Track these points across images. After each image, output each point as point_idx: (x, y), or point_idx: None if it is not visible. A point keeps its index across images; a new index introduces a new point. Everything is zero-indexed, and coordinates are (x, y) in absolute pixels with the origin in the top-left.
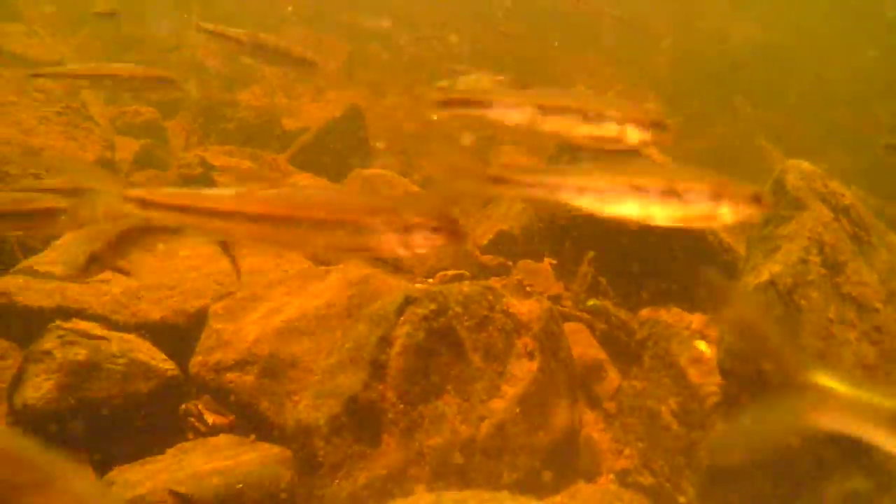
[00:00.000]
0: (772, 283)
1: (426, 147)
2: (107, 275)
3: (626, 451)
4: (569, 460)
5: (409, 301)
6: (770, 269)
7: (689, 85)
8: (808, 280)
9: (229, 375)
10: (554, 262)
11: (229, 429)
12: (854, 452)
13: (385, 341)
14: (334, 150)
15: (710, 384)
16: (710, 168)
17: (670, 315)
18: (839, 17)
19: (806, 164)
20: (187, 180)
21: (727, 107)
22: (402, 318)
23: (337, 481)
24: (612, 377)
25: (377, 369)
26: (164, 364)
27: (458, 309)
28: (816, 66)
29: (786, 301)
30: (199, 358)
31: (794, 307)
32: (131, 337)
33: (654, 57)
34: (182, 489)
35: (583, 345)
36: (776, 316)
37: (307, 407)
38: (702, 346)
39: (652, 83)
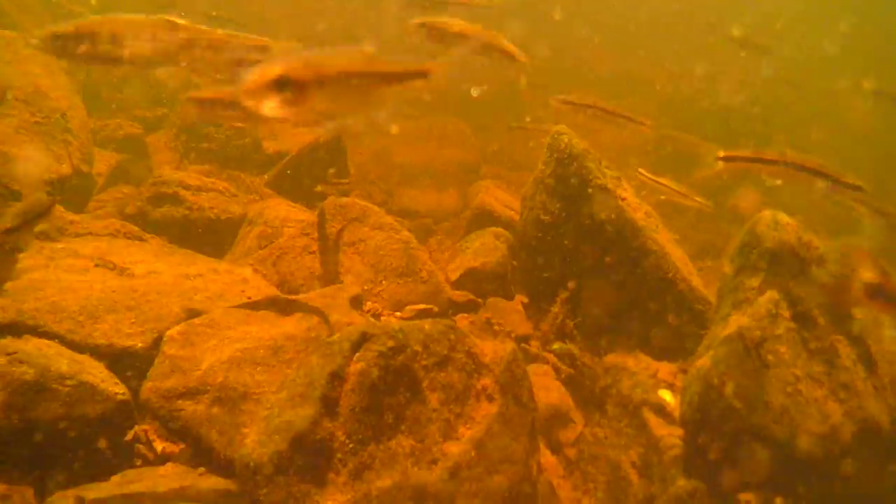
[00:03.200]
0: (739, 335)
1: (411, 177)
2: (67, 291)
3: (585, 501)
4: None
5: (365, 337)
6: (738, 320)
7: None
8: (776, 334)
9: (180, 403)
10: (525, 300)
11: (179, 457)
12: None
13: (337, 377)
14: (312, 174)
15: (672, 436)
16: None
17: (636, 362)
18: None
19: (781, 215)
20: (161, 199)
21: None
22: (357, 355)
23: None
24: (576, 422)
25: (327, 406)
26: (114, 388)
27: (418, 347)
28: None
29: (753, 355)
30: (151, 384)
31: (761, 362)
32: (83, 358)
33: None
34: None
35: (547, 388)
36: (743, 370)
37: (253, 442)
38: (666, 395)
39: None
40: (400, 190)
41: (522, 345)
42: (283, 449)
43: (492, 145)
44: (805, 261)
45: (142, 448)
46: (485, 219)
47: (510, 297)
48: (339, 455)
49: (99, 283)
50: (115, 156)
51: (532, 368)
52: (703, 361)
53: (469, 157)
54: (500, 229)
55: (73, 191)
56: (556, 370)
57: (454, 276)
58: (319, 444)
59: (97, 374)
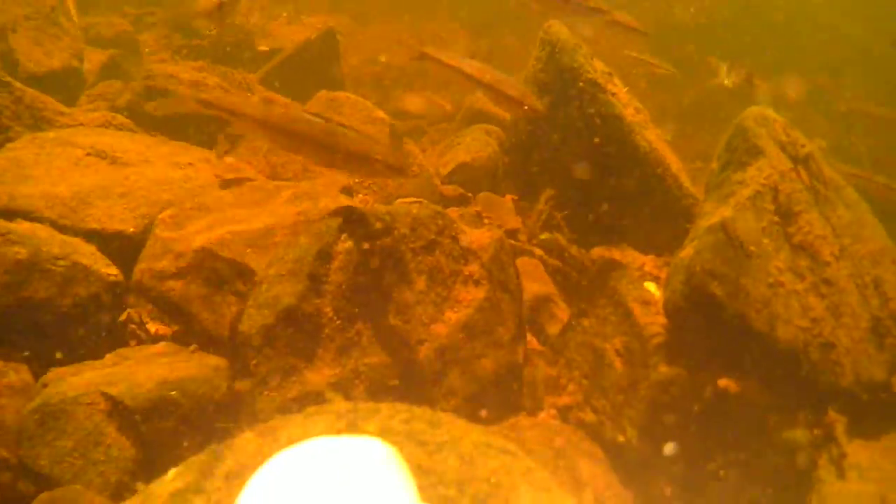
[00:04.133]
0: (723, 226)
1: (405, 79)
2: (58, 179)
3: (570, 388)
4: (511, 393)
5: (354, 218)
6: (722, 212)
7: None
8: (759, 226)
9: (171, 283)
10: (515, 197)
11: (172, 338)
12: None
13: (325, 255)
14: (305, 73)
15: (656, 324)
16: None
17: (623, 255)
18: None
19: (769, 111)
20: (151, 92)
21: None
22: (345, 234)
23: (267, 392)
24: (562, 313)
25: (316, 283)
26: (106, 269)
27: (405, 230)
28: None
29: (735, 245)
30: (143, 265)
31: (743, 252)
32: (75, 241)
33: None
34: (114, 392)
35: (535, 280)
36: (725, 259)
37: (241, 315)
38: (651, 287)
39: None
40: (394, 92)
41: (511, 239)
42: (271, 322)
43: (488, 47)
44: (792, 157)
45: (135, 329)
46: (478, 118)
47: (501, 195)
48: (326, 331)
49: (91, 172)
50: (106, 52)
51: (520, 262)
52: (687, 251)
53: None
54: (491, 126)
55: (64, 86)
56: (544, 263)
57: (445, 171)
58: (307, 320)
59: (89, 255)
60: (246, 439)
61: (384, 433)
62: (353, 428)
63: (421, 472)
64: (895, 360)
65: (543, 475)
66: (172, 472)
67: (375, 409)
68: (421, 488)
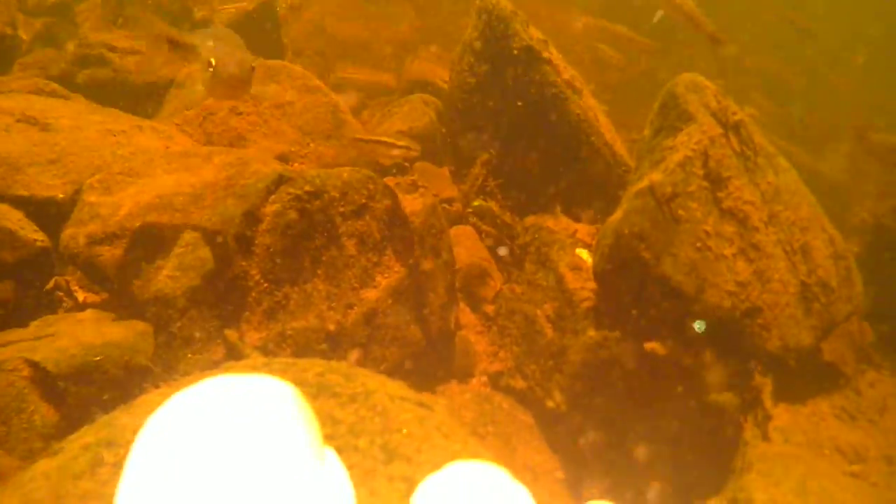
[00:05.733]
0: (650, 189)
1: (349, 52)
2: None
3: (501, 355)
4: (442, 359)
5: (282, 180)
6: (651, 177)
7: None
8: (688, 191)
9: (99, 249)
10: (452, 167)
11: (101, 306)
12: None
13: (252, 216)
14: (245, 43)
15: (585, 289)
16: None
17: (556, 222)
18: None
19: (700, 78)
20: (85, 60)
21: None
22: (273, 197)
23: (191, 355)
24: (495, 281)
25: (242, 245)
26: (33, 234)
27: (336, 194)
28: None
29: (664, 209)
30: (71, 230)
31: (671, 216)
32: (3, 206)
33: None
34: (38, 357)
35: (468, 247)
36: (654, 223)
37: (165, 278)
38: (583, 254)
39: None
40: (336, 65)
41: (446, 206)
42: (197, 284)
43: (433, 23)
44: (723, 124)
45: (63, 297)
46: (418, 90)
47: (439, 165)
48: (253, 294)
49: (21, 138)
50: (41, 20)
51: (455, 230)
52: (616, 215)
53: (408, 34)
54: (428, 96)
55: None
56: (478, 230)
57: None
58: (233, 282)
59: (16, 221)
60: (157, 393)
61: (296, 385)
62: None
63: (332, 421)
64: (823, 325)
65: (459, 429)
66: (84, 428)
67: (291, 363)
68: (331, 438)
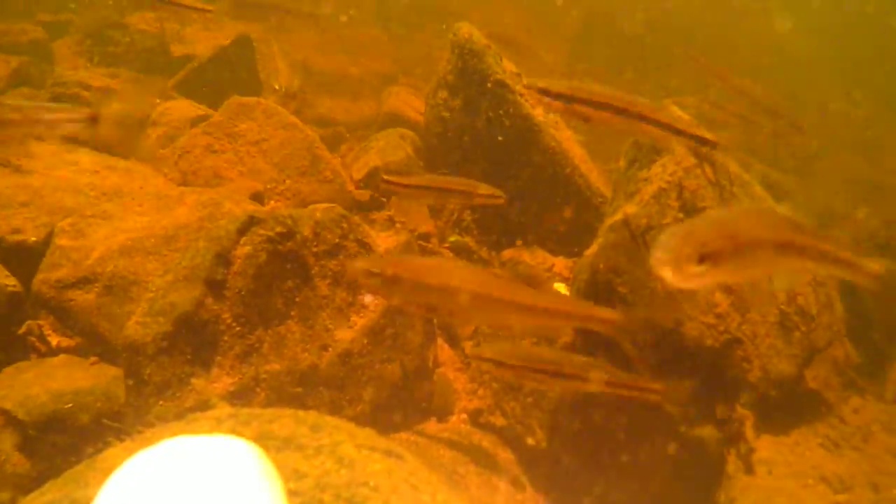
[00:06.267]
0: (625, 222)
1: (326, 85)
2: None
3: (481, 392)
4: (421, 398)
5: (253, 221)
6: (626, 209)
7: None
8: (663, 223)
9: (70, 293)
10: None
11: (75, 350)
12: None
13: (223, 259)
14: (221, 80)
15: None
16: None
17: (533, 256)
18: None
19: (673, 108)
20: (60, 100)
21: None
22: (244, 238)
23: (163, 402)
24: None
25: (213, 289)
26: (4, 280)
27: (308, 234)
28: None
29: (639, 242)
30: (42, 275)
31: (647, 249)
32: None
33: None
34: (8, 405)
35: None
36: (629, 256)
37: (136, 324)
38: (561, 288)
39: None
40: (315, 99)
41: (422, 242)
42: (168, 330)
43: (410, 55)
44: (696, 154)
45: (35, 342)
46: (395, 123)
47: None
48: (225, 338)
49: None
50: (17, 59)
51: None
52: (591, 249)
53: (386, 67)
54: (405, 130)
55: None
56: None
57: (358, 176)
58: (205, 327)
59: None
60: (122, 448)
61: (261, 438)
62: (232, 433)
63: (297, 476)
64: (804, 353)
65: (431, 478)
66: (49, 483)
67: (257, 414)
68: (295, 494)
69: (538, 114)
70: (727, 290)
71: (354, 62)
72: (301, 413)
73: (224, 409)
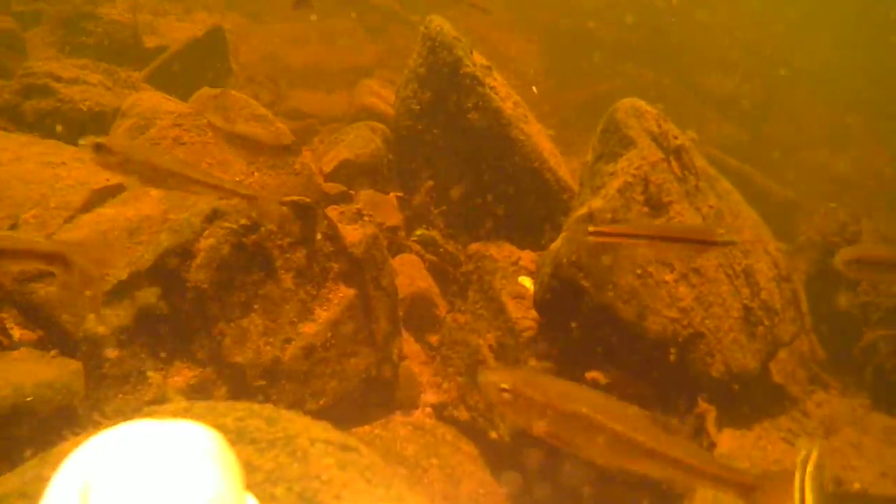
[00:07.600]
0: (590, 216)
1: (300, 78)
2: None
3: (445, 385)
4: (384, 391)
5: (217, 214)
6: (591, 203)
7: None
8: (627, 217)
9: (33, 286)
10: (400, 194)
11: (36, 343)
12: None
13: (185, 252)
14: (193, 71)
15: (527, 318)
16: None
17: (499, 251)
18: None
19: (640, 102)
20: (30, 90)
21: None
22: (207, 231)
23: (122, 396)
24: (440, 310)
25: (175, 282)
26: None
27: (273, 227)
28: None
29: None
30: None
31: (610, 243)
32: None
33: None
34: None
35: (412, 276)
36: (593, 250)
37: (96, 318)
38: (526, 282)
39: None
40: (289, 91)
41: (391, 235)
42: (128, 324)
43: (385, 48)
44: (664, 148)
45: None
46: (366, 116)
47: (387, 192)
48: (186, 331)
49: None
50: None
51: (399, 258)
52: (556, 243)
53: (361, 59)
54: (375, 123)
55: None
56: (422, 259)
57: (328, 169)
58: (165, 320)
59: None
60: (75, 442)
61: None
62: None
63: (250, 469)
64: (767, 348)
65: (387, 471)
66: (1, 478)
67: (212, 408)
68: (247, 486)
69: (507, 107)
70: (691, 284)
71: (328, 53)
72: (256, 406)
73: (180, 403)
